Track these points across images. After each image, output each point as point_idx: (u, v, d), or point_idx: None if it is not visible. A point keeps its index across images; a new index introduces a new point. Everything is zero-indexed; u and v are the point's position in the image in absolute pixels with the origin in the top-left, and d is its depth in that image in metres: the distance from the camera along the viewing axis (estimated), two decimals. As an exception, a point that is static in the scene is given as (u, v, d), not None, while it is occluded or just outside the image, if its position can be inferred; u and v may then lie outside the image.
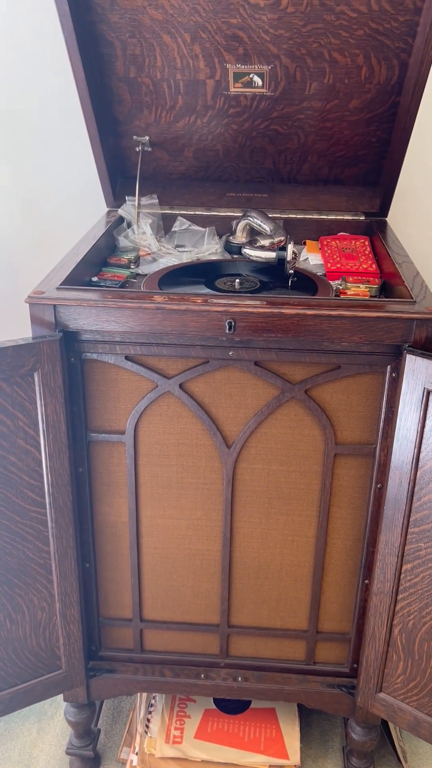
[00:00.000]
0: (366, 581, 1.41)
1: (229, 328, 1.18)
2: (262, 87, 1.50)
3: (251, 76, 1.48)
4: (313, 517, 1.37)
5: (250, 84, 1.49)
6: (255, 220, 1.56)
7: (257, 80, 1.49)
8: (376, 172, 1.68)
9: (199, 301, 1.18)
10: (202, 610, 1.49)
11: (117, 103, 1.57)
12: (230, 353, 1.24)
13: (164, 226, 1.73)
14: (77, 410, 1.29)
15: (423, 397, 1.15)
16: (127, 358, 1.26)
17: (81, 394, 1.28)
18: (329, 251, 1.59)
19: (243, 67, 1.46)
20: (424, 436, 1.18)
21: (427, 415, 1.16)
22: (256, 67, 1.46)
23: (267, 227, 1.54)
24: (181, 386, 1.27)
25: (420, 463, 1.20)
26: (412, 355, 1.14)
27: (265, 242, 1.48)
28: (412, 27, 1.35)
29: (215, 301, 1.18)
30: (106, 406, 1.30)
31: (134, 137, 1.64)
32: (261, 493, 1.36)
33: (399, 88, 1.47)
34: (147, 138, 1.64)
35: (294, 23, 1.37)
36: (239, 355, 1.24)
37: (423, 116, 1.54)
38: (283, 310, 1.16)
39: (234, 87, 1.50)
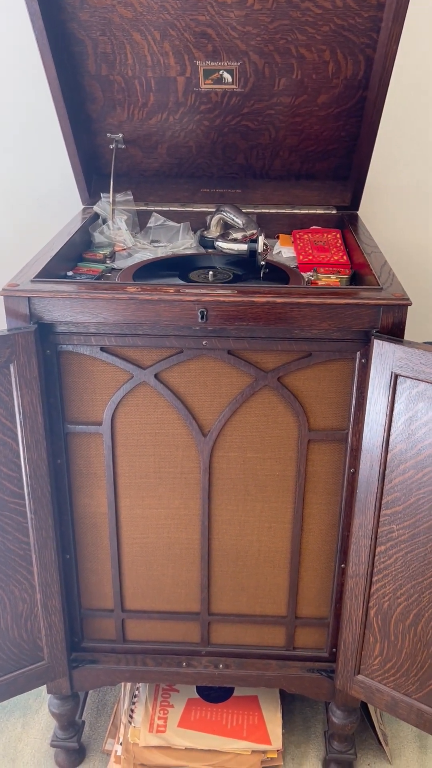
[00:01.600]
0: (342, 565, 1.44)
1: (202, 317, 1.20)
2: (232, 83, 1.53)
3: (221, 72, 1.51)
4: (289, 504, 1.40)
5: (220, 80, 1.52)
6: (228, 214, 1.59)
7: (227, 77, 1.51)
8: (346, 167, 1.72)
9: (171, 291, 1.20)
10: (182, 599, 1.51)
11: (90, 101, 1.59)
12: (204, 342, 1.26)
13: (139, 222, 1.76)
14: (54, 402, 1.31)
15: (391, 381, 1.18)
16: (102, 349, 1.28)
17: (57, 385, 1.30)
18: (301, 244, 1.62)
19: (212, 63, 1.49)
20: (393, 419, 1.21)
21: (396, 399, 1.19)
22: (226, 63, 1.49)
23: (240, 221, 1.57)
24: (156, 376, 1.30)
25: (390, 446, 1.23)
26: (379, 340, 1.17)
27: (238, 235, 1.51)
28: (376, 23, 1.39)
29: (187, 290, 1.20)
30: (82, 397, 1.32)
31: (108, 135, 1.66)
32: (237, 480, 1.38)
33: (365, 82, 1.51)
34: (120, 135, 1.66)
35: (261, 20, 1.40)
36: (212, 345, 1.26)
37: (389, 110, 1.57)
38: (253, 299, 1.19)
39: (204, 84, 1.53)
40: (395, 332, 1.19)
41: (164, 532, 1.44)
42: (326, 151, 1.68)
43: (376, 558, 1.33)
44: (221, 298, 1.19)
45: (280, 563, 1.46)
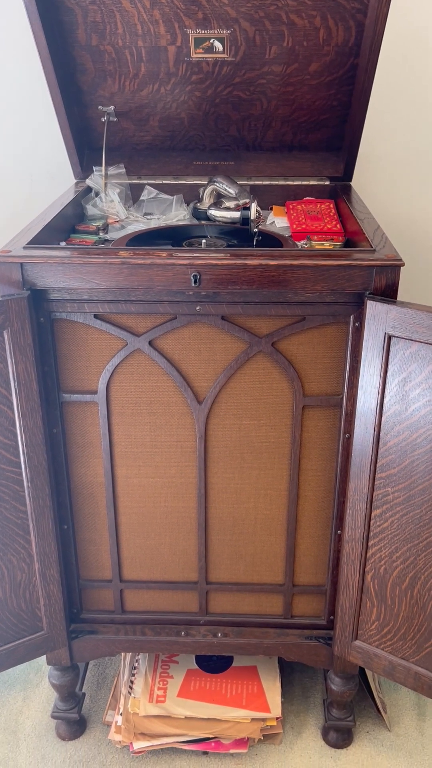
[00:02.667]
0: (338, 532, 1.45)
1: (195, 282, 1.20)
2: (223, 52, 1.52)
3: (212, 41, 1.50)
4: (285, 470, 1.41)
5: (210, 49, 1.52)
6: (221, 184, 1.59)
7: (218, 45, 1.51)
8: (339, 137, 1.71)
9: (164, 255, 1.20)
10: (180, 568, 1.52)
11: (80, 72, 1.58)
12: (197, 308, 1.26)
13: (132, 196, 1.75)
14: (49, 370, 1.31)
15: (384, 342, 1.18)
16: (96, 316, 1.28)
17: (52, 354, 1.30)
18: (295, 214, 1.62)
19: (203, 32, 1.48)
20: (387, 381, 1.21)
21: (389, 360, 1.20)
22: (216, 31, 1.48)
23: (232, 190, 1.56)
24: (150, 343, 1.30)
25: (384, 408, 1.23)
26: (372, 302, 1.17)
27: (231, 204, 1.51)
28: (367, -13, 1.38)
29: (180, 254, 1.20)
30: (77, 366, 1.32)
31: (99, 107, 1.66)
32: (233, 448, 1.39)
33: (357, 49, 1.50)
34: (112, 108, 1.66)
35: (251, -15, 1.39)
36: (206, 310, 1.26)
37: (381, 78, 1.57)
38: (246, 261, 1.19)
39: (195, 53, 1.52)
40: (388, 294, 1.20)
41: (161, 501, 1.45)
42: (318, 122, 1.68)
43: (372, 522, 1.34)
44: (214, 262, 1.19)
45: (276, 530, 1.47)
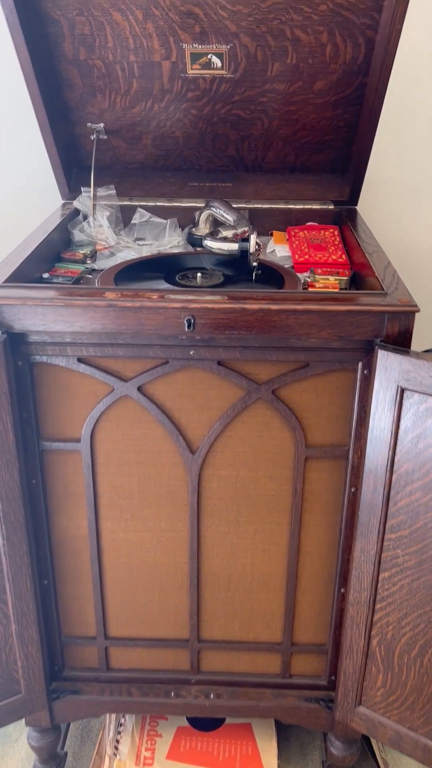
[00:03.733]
0: (342, 590, 1.34)
1: (189, 326, 1.09)
2: (222, 68, 1.41)
3: (209, 56, 1.39)
4: (285, 524, 1.29)
5: (208, 65, 1.40)
6: (218, 210, 1.48)
7: (216, 61, 1.40)
8: (344, 159, 1.60)
9: (154, 297, 1.09)
10: (170, 625, 1.40)
11: (67, 87, 1.47)
12: (191, 353, 1.15)
13: (123, 219, 1.64)
14: (27, 417, 1.20)
15: (396, 395, 1.07)
16: (79, 360, 1.16)
17: (31, 400, 1.19)
18: (297, 242, 1.51)
19: (200, 47, 1.37)
20: (399, 436, 1.10)
21: (402, 415, 1.09)
22: (215, 46, 1.37)
23: (230, 217, 1.45)
24: (139, 389, 1.19)
25: (395, 465, 1.12)
26: (384, 351, 1.06)
27: (228, 233, 1.40)
28: (378, 1, 1.27)
29: (172, 296, 1.09)
30: (58, 412, 1.21)
31: (88, 124, 1.54)
32: (229, 500, 1.28)
33: (366, 68, 1.40)
34: (102, 125, 1.54)
35: (253, -2, 1.28)
36: (201, 355, 1.15)
37: (391, 98, 1.45)
38: (245, 306, 1.08)
39: (192, 69, 1.41)
40: (401, 342, 1.09)
41: (150, 555, 1.33)
42: (323, 142, 1.57)
43: (380, 585, 1.23)
44: (210, 305, 1.08)
45: (275, 587, 1.36)
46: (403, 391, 1.07)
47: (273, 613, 1.39)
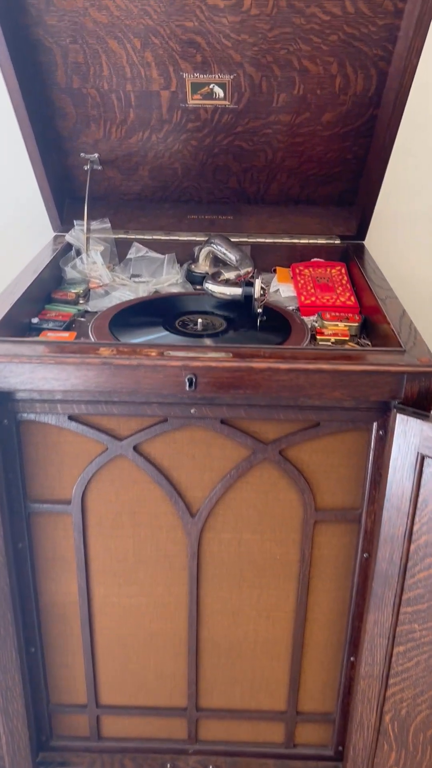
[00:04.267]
0: (351, 658, 1.24)
1: (190, 385, 1.00)
2: (224, 99, 1.33)
3: (211, 86, 1.31)
4: (291, 590, 1.20)
5: (210, 95, 1.32)
6: (219, 247, 1.39)
7: (218, 91, 1.31)
8: (352, 192, 1.52)
9: (153, 354, 1.00)
10: (166, 693, 1.31)
11: (60, 117, 1.38)
12: (192, 411, 1.06)
13: (118, 253, 1.55)
14: (13, 478, 1.10)
15: (417, 462, 0.98)
16: (70, 418, 1.07)
17: (17, 459, 1.09)
18: (302, 281, 1.43)
19: (202, 76, 1.29)
20: (419, 506, 1.01)
21: (422, 483, 1.00)
22: (217, 76, 1.29)
23: (232, 256, 1.36)
24: (135, 448, 1.09)
25: (414, 536, 1.04)
26: (403, 415, 0.98)
27: (230, 275, 1.31)
28: (392, 32, 1.19)
29: (172, 353, 1.00)
30: (47, 472, 1.11)
31: (81, 154, 1.45)
32: (231, 565, 1.18)
33: (377, 99, 1.31)
34: (96, 155, 1.45)
35: (259, 27, 1.20)
36: (203, 413, 1.06)
37: (400, 129, 1.37)
38: (252, 365, 0.99)
39: (192, 99, 1.33)
40: (422, 404, 1.00)
41: (145, 621, 1.24)
42: (330, 175, 1.49)
43: (394, 659, 1.13)
44: (213, 364, 0.99)
45: (279, 655, 1.26)
46: (423, 458, 0.98)
47: (277, 680, 1.29)
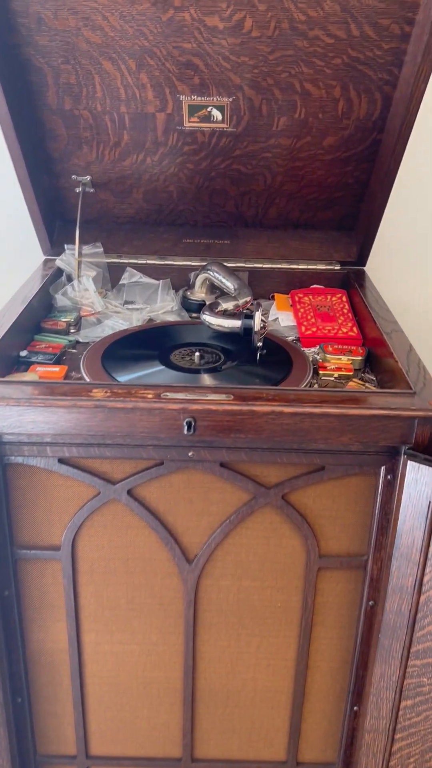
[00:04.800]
0: (355, 708, 1.19)
1: (188, 429, 0.94)
2: (222, 122, 1.28)
3: (209, 109, 1.26)
4: (293, 638, 1.15)
5: (208, 118, 1.27)
6: (216, 275, 1.34)
7: (216, 114, 1.26)
8: (352, 217, 1.48)
9: (149, 396, 0.94)
10: (160, 743, 1.24)
11: (51, 138, 1.33)
12: (190, 453, 1.00)
13: (111, 278, 1.49)
14: None
15: (428, 511, 0.93)
16: (61, 461, 1.01)
17: (3, 504, 1.03)
18: (302, 310, 1.38)
19: (199, 98, 1.24)
20: (430, 556, 0.96)
21: (434, 533, 0.94)
22: (215, 99, 1.24)
23: (230, 284, 1.31)
24: (129, 492, 1.03)
25: (424, 587, 0.98)
26: (414, 462, 0.92)
27: (228, 305, 1.25)
28: (399, 56, 1.15)
29: (170, 395, 0.94)
30: (35, 517, 1.05)
31: (73, 177, 1.40)
32: (229, 612, 1.12)
33: (381, 124, 1.27)
34: (88, 177, 1.40)
35: (259, 49, 1.15)
36: (201, 456, 1.00)
37: (406, 154, 1.32)
38: (254, 408, 0.93)
39: (189, 121, 1.28)
40: (432, 449, 0.95)
41: (138, 670, 1.18)
42: (330, 200, 1.44)
43: (401, 713, 1.08)
44: (213, 407, 0.93)
45: (279, 704, 1.21)
46: (435, 507, 0.93)
47: (276, 730, 1.23)
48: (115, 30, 1.13)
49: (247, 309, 1.26)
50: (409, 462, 0.93)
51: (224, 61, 1.17)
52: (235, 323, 1.18)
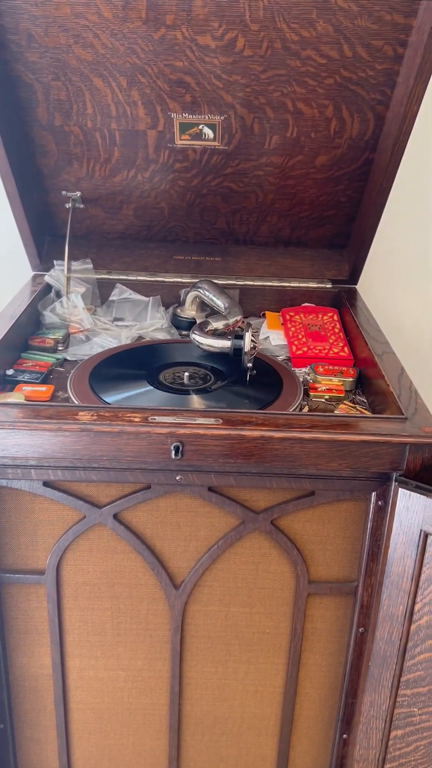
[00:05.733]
0: (344, 735, 1.17)
1: (176, 453, 0.93)
2: (214, 140, 1.27)
3: (201, 127, 1.25)
4: (281, 665, 1.13)
5: (199, 136, 1.26)
6: (206, 293, 1.33)
7: (208, 132, 1.25)
8: (344, 235, 1.47)
9: (137, 419, 0.92)
10: (145, 771, 1.22)
11: (41, 154, 1.31)
12: (178, 477, 0.98)
13: (100, 295, 1.48)
14: (-17, 548, 1.02)
15: (419, 540, 0.92)
16: (45, 484, 0.99)
17: (-13, 528, 1.01)
18: (293, 329, 1.36)
19: (191, 116, 1.23)
20: (421, 585, 0.94)
21: (425, 561, 0.93)
22: (207, 117, 1.23)
23: (220, 303, 1.30)
24: (115, 517, 1.01)
25: (414, 616, 0.97)
26: (405, 490, 0.91)
27: (218, 324, 1.24)
28: (391, 77, 1.15)
29: (158, 419, 0.93)
30: (19, 541, 1.03)
31: (63, 192, 1.38)
32: (217, 639, 1.10)
33: (374, 143, 1.26)
34: (78, 194, 1.39)
35: (251, 68, 1.14)
36: (189, 480, 0.99)
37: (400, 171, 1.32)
38: (243, 432, 0.92)
39: (180, 139, 1.27)
40: (425, 476, 0.93)
41: (124, 696, 1.15)
42: (322, 218, 1.43)
43: (391, 743, 1.06)
44: (201, 431, 0.92)
45: (267, 731, 1.18)
46: (427, 536, 0.91)
47: (264, 757, 1.21)
48: (106, 48, 1.12)
49: (238, 328, 1.25)
50: (400, 489, 0.91)
51: (216, 80, 1.16)
52: (225, 343, 1.17)
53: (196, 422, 0.92)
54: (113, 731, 1.18)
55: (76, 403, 1.07)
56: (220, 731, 1.19)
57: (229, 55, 1.12)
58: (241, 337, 1.15)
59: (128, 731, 1.18)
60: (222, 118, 1.23)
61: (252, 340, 1.14)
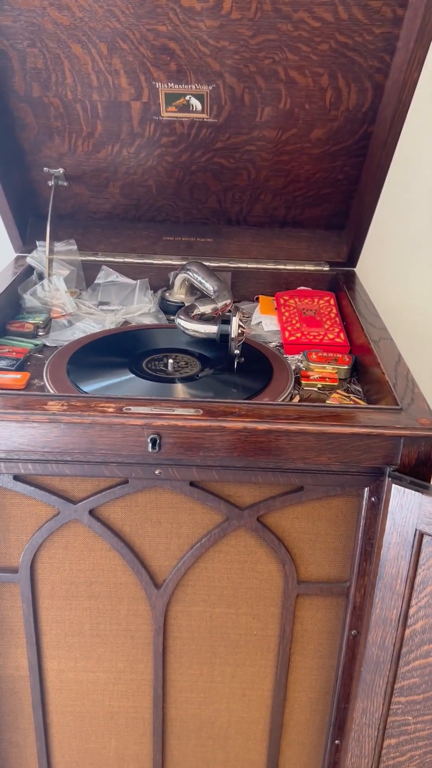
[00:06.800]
0: (337, 741, 1.11)
1: (153, 446, 0.86)
2: (202, 111, 1.19)
3: (188, 97, 1.17)
4: (270, 668, 1.07)
5: (186, 108, 1.19)
6: (195, 275, 1.26)
7: (195, 103, 1.18)
8: (342, 215, 1.39)
9: (110, 410, 0.86)
10: (129, 775, 1.17)
11: (19, 128, 1.24)
12: (157, 472, 0.92)
13: (86, 277, 1.41)
14: None
15: (414, 540, 0.85)
16: (16, 478, 0.93)
17: None
18: (287, 314, 1.29)
19: (177, 86, 1.15)
20: (416, 588, 0.88)
21: (420, 562, 0.86)
22: (194, 87, 1.15)
23: (209, 286, 1.23)
24: (91, 513, 0.95)
25: (409, 620, 0.90)
26: (399, 486, 0.84)
27: (206, 308, 1.17)
28: (390, 41, 1.07)
29: (133, 410, 0.86)
30: (-9, 538, 0.97)
31: (45, 169, 1.31)
32: (201, 640, 1.05)
33: (372, 115, 1.19)
34: (61, 170, 1.32)
35: (240, 33, 1.07)
36: (169, 474, 0.92)
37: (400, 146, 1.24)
38: (225, 424, 0.85)
39: (167, 111, 1.19)
40: (420, 471, 0.87)
41: (105, 698, 1.10)
42: (318, 196, 1.36)
43: (384, 752, 1.00)
44: (180, 422, 0.85)
45: (255, 735, 1.13)
46: (422, 535, 0.84)
47: (253, 762, 1.16)
48: (83, 10, 1.04)
49: (228, 312, 1.18)
50: (393, 486, 0.85)
51: (202, 46, 1.09)
52: (211, 329, 1.10)
53: (174, 413, 0.86)
54: (95, 735, 1.13)
55: (52, 392, 1.00)
56: (206, 735, 1.13)
57: (216, 18, 1.05)
58: (228, 322, 1.08)
59: (111, 735, 1.13)
60: (210, 88, 1.15)
61: (240, 325, 1.07)
